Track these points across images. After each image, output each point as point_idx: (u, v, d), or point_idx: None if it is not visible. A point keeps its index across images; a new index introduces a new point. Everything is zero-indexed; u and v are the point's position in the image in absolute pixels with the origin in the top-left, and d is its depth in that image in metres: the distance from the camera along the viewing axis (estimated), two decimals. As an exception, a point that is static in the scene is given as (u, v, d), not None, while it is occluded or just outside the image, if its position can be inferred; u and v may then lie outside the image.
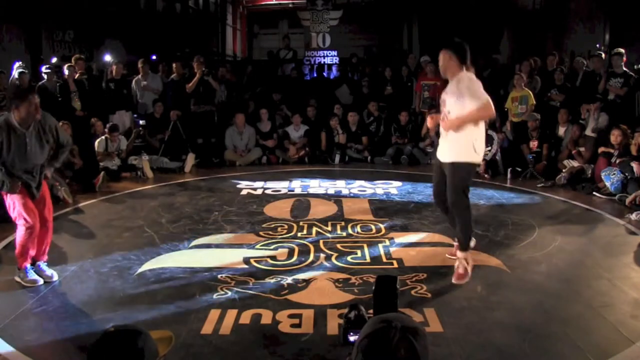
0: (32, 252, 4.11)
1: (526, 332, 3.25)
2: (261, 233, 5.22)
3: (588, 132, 7.69)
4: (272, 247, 4.83)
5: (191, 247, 4.85)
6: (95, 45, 12.25)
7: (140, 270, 4.29)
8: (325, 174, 8.20)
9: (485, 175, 7.88)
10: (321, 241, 4.95)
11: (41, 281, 4.04)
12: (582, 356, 2.99)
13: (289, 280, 4.04)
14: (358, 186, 7.38)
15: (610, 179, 6.50)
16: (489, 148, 8.10)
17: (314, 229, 5.33)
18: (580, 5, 12.53)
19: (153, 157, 8.49)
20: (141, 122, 8.94)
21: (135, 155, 8.24)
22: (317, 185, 7.44)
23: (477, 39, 12.91)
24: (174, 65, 9.41)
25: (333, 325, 3.32)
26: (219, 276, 4.11)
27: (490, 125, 8.42)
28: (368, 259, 4.52)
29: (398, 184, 7.48)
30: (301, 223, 5.53)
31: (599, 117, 7.60)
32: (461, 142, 4.11)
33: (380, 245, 4.84)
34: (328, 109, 9.82)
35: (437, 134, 4.54)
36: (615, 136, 6.87)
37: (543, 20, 13.36)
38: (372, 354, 1.28)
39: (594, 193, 6.72)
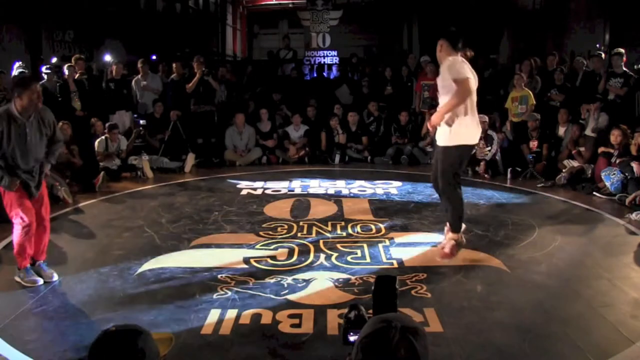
0: (30, 251, 4.10)
1: (526, 332, 3.25)
2: (261, 233, 5.21)
3: (588, 132, 7.69)
4: (272, 247, 4.83)
5: (191, 247, 4.85)
6: (95, 45, 12.25)
7: (140, 270, 4.28)
8: (325, 174, 8.20)
9: (485, 175, 7.89)
10: (321, 241, 4.95)
11: (41, 281, 4.04)
12: (582, 356, 2.99)
13: (289, 280, 4.04)
14: (358, 186, 7.38)
15: (610, 179, 6.50)
16: (489, 148, 8.10)
17: (314, 229, 5.33)
18: (580, 5, 12.53)
19: (153, 157, 8.49)
20: (141, 122, 8.94)
21: (135, 155, 8.23)
22: (317, 185, 7.44)
23: (477, 39, 12.94)
24: (174, 65, 9.41)
25: (333, 325, 3.32)
26: (219, 276, 4.11)
27: (490, 125, 8.43)
28: (368, 259, 4.52)
29: (398, 184, 7.48)
30: (301, 223, 5.53)
31: (599, 117, 7.60)
32: (449, 126, 4.26)
33: (380, 245, 4.84)
34: (328, 109, 9.82)
35: None
36: (615, 136, 6.87)
37: (543, 20, 13.35)
38: (372, 354, 1.28)
39: (594, 193, 6.72)
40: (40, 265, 4.17)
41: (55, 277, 4.15)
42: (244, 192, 7.06)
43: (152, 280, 4.09)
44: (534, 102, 8.38)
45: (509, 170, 7.85)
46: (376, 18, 18.47)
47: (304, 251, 4.68)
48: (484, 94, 9.10)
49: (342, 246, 4.82)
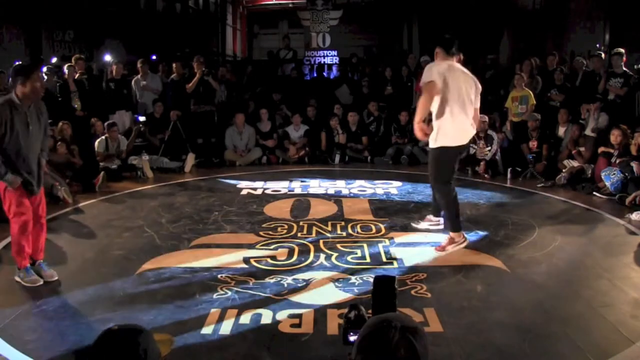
0: (29, 250, 4.10)
1: (526, 332, 3.25)
2: (261, 233, 5.21)
3: (588, 132, 7.69)
4: (272, 247, 4.83)
5: (191, 247, 4.85)
6: (95, 45, 12.25)
7: (140, 270, 4.28)
8: (325, 174, 8.20)
9: (485, 175, 7.88)
10: (321, 241, 4.95)
11: (41, 281, 4.04)
12: (582, 356, 2.99)
13: (289, 280, 4.04)
14: (358, 186, 7.38)
15: (610, 179, 6.50)
16: (489, 148, 8.10)
17: (314, 229, 5.33)
18: (580, 5, 12.53)
19: (153, 157, 8.48)
20: (140, 118, 8.87)
21: (135, 155, 8.23)
22: (317, 185, 7.44)
23: (477, 39, 12.94)
24: (174, 65, 9.41)
25: (333, 325, 3.32)
26: (219, 276, 4.11)
27: (490, 125, 8.44)
28: (368, 259, 4.52)
29: (398, 184, 7.48)
30: (301, 223, 5.53)
31: (599, 117, 7.60)
32: (440, 128, 4.48)
33: (380, 245, 4.84)
34: (328, 109, 9.82)
35: None
36: (615, 136, 6.87)
37: (543, 20, 13.35)
38: (372, 354, 1.28)
39: (594, 193, 6.72)
40: (40, 265, 4.17)
41: (55, 277, 4.15)
42: (244, 192, 7.06)
43: (152, 280, 4.09)
44: (534, 102, 8.39)
45: (509, 170, 7.85)
46: (376, 18, 18.46)
47: (304, 251, 4.68)
48: (485, 94, 9.15)
49: (342, 246, 4.82)
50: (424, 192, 6.85)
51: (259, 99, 10.24)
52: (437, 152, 4.49)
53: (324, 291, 3.87)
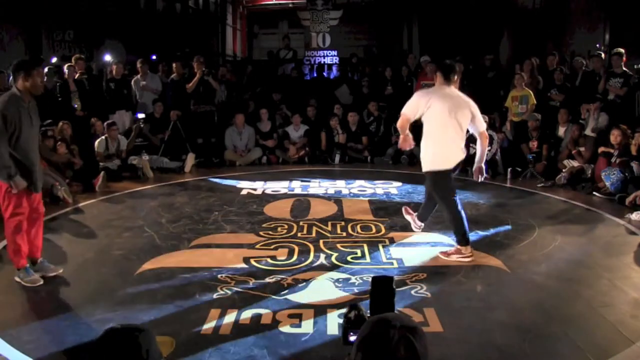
0: (26, 249, 4.10)
1: (526, 332, 3.25)
2: (261, 233, 5.22)
3: (588, 132, 7.69)
4: (272, 247, 4.83)
5: (191, 247, 4.85)
6: (95, 45, 12.25)
7: (140, 270, 4.28)
8: (325, 174, 8.20)
9: (486, 175, 7.87)
10: (321, 241, 4.95)
11: (41, 281, 4.04)
12: (582, 356, 2.99)
13: (289, 280, 4.04)
14: (358, 186, 7.38)
15: (610, 179, 6.50)
16: (489, 148, 8.09)
17: (314, 229, 5.33)
18: (580, 5, 12.52)
19: (153, 157, 8.48)
20: (140, 115, 8.84)
21: (135, 155, 8.23)
22: (317, 185, 7.44)
23: (477, 39, 12.94)
24: (173, 65, 9.41)
25: (333, 325, 3.32)
26: (219, 276, 4.11)
27: (490, 125, 8.43)
28: (368, 259, 4.52)
29: (398, 184, 7.48)
30: (301, 223, 5.53)
31: (599, 117, 7.60)
32: (424, 153, 4.70)
33: (380, 245, 4.84)
34: (328, 109, 9.82)
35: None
36: (615, 136, 6.87)
37: (543, 20, 13.35)
38: (372, 354, 1.28)
39: (594, 193, 6.72)
40: (42, 262, 4.19)
41: (61, 270, 4.19)
42: (244, 192, 7.06)
43: (152, 280, 4.09)
44: (535, 102, 8.38)
45: (509, 170, 7.85)
46: (376, 18, 18.45)
47: (304, 251, 4.68)
48: (486, 95, 9.16)
49: (342, 246, 4.82)
50: (424, 192, 6.82)
51: (259, 99, 10.24)
52: (431, 175, 4.69)
53: (324, 291, 3.87)
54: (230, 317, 3.43)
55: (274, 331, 3.27)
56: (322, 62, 13.24)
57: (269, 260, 4.48)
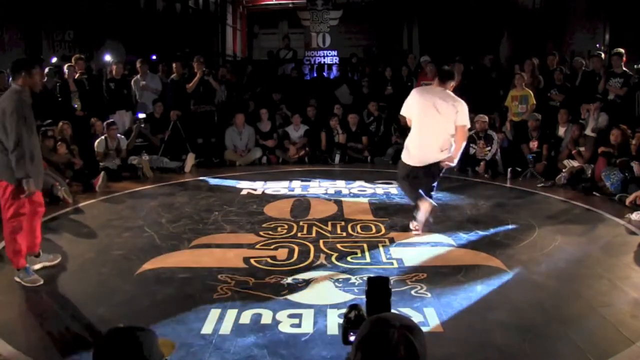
0: (25, 249, 4.11)
1: (526, 332, 3.25)
2: (261, 233, 5.22)
3: (588, 132, 7.68)
4: (272, 247, 4.83)
5: (191, 247, 4.85)
6: (95, 45, 12.25)
7: (140, 270, 4.28)
8: (325, 174, 8.20)
9: (485, 175, 7.88)
10: (321, 241, 4.95)
11: (41, 281, 4.04)
12: (582, 356, 2.99)
13: (289, 280, 4.04)
14: (358, 186, 7.38)
15: (610, 179, 6.50)
16: (489, 148, 8.10)
17: (314, 229, 5.33)
18: (580, 5, 12.52)
19: (153, 157, 8.48)
20: (140, 115, 8.84)
21: (135, 155, 8.23)
22: (317, 185, 7.44)
23: (477, 39, 12.94)
24: (173, 65, 9.40)
25: (333, 325, 3.32)
26: (219, 276, 4.11)
27: (490, 125, 8.44)
28: (368, 259, 4.53)
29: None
30: (301, 223, 5.53)
31: (599, 117, 7.59)
32: None
33: (380, 245, 4.84)
34: (328, 109, 9.81)
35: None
36: (615, 136, 6.87)
37: (543, 20, 13.35)
38: (372, 353, 1.28)
39: (594, 193, 6.72)
40: (41, 254, 4.28)
41: (59, 258, 4.38)
42: (244, 192, 7.06)
43: (152, 280, 4.09)
44: (534, 103, 8.38)
45: (509, 170, 7.85)
46: (376, 18, 18.45)
47: (304, 251, 4.68)
48: (487, 95, 9.16)
49: (342, 246, 4.82)
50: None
51: (259, 99, 10.23)
52: (399, 163, 5.28)
53: (324, 291, 3.87)
54: (230, 317, 3.43)
55: (274, 331, 3.27)
56: (322, 62, 13.24)
57: (269, 260, 4.48)
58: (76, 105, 8.58)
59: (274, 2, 19.50)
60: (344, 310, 3.09)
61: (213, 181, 7.83)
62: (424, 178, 5.09)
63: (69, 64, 8.83)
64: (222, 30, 18.71)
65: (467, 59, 10.18)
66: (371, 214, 5.94)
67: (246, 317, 3.44)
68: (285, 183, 7.55)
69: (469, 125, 5.15)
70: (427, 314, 3.47)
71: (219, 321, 3.39)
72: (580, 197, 6.62)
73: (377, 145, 9.51)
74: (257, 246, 4.84)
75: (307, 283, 4.00)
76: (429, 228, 5.19)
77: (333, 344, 3.07)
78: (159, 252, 4.69)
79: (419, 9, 16.88)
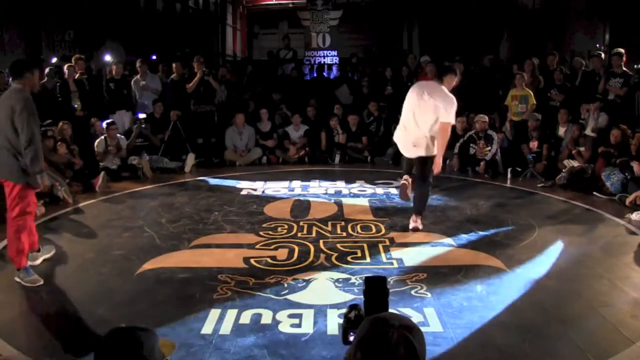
0: (28, 247, 4.13)
1: (526, 332, 3.25)
2: (261, 233, 5.22)
3: (588, 132, 7.69)
4: (272, 247, 4.83)
5: (191, 247, 4.85)
6: (95, 45, 12.25)
7: (140, 270, 4.28)
8: (325, 174, 8.20)
9: (485, 175, 7.88)
10: (321, 241, 4.95)
11: (41, 281, 4.03)
12: (582, 356, 2.99)
13: (289, 280, 4.04)
14: (358, 186, 7.38)
15: (610, 179, 6.50)
16: (489, 148, 8.10)
17: (314, 229, 5.33)
18: (580, 5, 12.52)
19: (153, 157, 8.48)
20: (141, 115, 8.84)
21: (136, 155, 8.23)
22: (317, 185, 7.44)
23: (477, 39, 12.93)
24: (173, 65, 9.40)
25: (333, 325, 3.32)
26: (219, 276, 4.11)
27: (490, 125, 8.44)
28: (368, 259, 4.52)
29: (398, 184, 7.46)
30: (301, 223, 5.53)
31: (599, 117, 7.60)
32: None
33: (380, 245, 4.84)
34: (328, 109, 9.81)
35: None
36: (615, 136, 6.87)
37: (543, 20, 13.35)
38: (371, 353, 1.28)
39: (594, 193, 6.72)
40: (40, 249, 4.39)
41: (54, 250, 4.54)
42: (244, 192, 7.06)
43: (152, 280, 4.09)
44: (534, 103, 8.38)
45: (509, 170, 7.85)
46: (376, 18, 18.46)
47: (304, 251, 4.68)
48: (489, 95, 9.17)
49: (342, 246, 4.82)
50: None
51: (259, 99, 10.23)
52: None
53: (324, 291, 3.87)
54: (230, 317, 3.43)
55: (274, 331, 3.27)
56: (322, 62, 13.25)
57: (269, 260, 4.48)
58: (76, 105, 8.58)
59: (274, 2, 19.51)
60: (344, 310, 3.09)
61: (213, 181, 7.83)
62: (416, 164, 5.27)
63: (69, 64, 8.83)
64: (222, 30, 18.71)
65: (467, 59, 10.19)
66: (371, 214, 5.94)
67: (246, 317, 3.44)
68: (285, 183, 7.55)
69: (452, 123, 5.12)
70: (427, 314, 3.47)
71: (219, 321, 3.39)
72: (580, 197, 6.62)
73: (377, 145, 9.51)
74: (257, 246, 4.84)
75: (307, 283, 3.99)
76: (413, 200, 5.37)
77: (333, 344, 3.07)
78: (159, 252, 4.69)
79: (419, 9, 16.89)
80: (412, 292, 3.82)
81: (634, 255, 4.61)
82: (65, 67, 8.76)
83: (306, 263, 4.42)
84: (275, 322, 3.37)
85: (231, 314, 3.48)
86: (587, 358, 2.96)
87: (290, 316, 3.46)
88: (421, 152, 5.10)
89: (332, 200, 6.52)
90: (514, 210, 6.06)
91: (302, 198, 6.68)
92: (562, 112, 8.20)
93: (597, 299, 3.75)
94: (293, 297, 3.75)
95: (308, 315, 3.46)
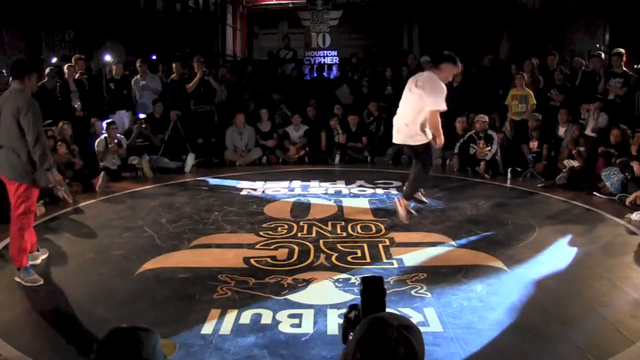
0: (29, 247, 4.15)
1: (526, 332, 3.25)
2: (261, 233, 5.22)
3: (588, 132, 7.68)
4: (272, 247, 4.83)
5: (191, 247, 4.85)
6: (95, 45, 12.24)
7: (140, 270, 4.29)
8: (325, 174, 8.20)
9: (486, 175, 7.88)
10: (321, 241, 4.95)
11: (41, 281, 4.04)
12: (582, 356, 2.99)
13: (289, 280, 4.04)
14: (358, 186, 7.38)
15: (610, 179, 6.49)
16: (489, 148, 8.10)
17: (314, 229, 5.33)
18: (580, 5, 12.52)
19: (153, 157, 8.48)
20: (141, 115, 8.83)
21: (136, 155, 8.23)
22: (317, 185, 7.44)
23: (477, 39, 12.93)
24: (173, 65, 9.40)
25: (333, 325, 3.32)
26: (219, 276, 4.11)
27: (490, 125, 8.43)
28: (368, 259, 4.52)
29: (398, 184, 7.47)
30: (301, 223, 5.53)
31: (599, 117, 7.59)
32: None
33: (380, 245, 4.84)
34: (328, 109, 9.81)
35: None
36: (615, 136, 6.87)
37: (543, 20, 13.35)
38: (371, 353, 1.28)
39: (594, 193, 6.72)
40: (40, 249, 4.41)
41: (47, 253, 4.55)
42: (244, 192, 7.06)
43: (152, 280, 4.09)
44: (534, 103, 8.38)
45: (509, 170, 7.85)
46: (376, 18, 18.46)
47: (304, 251, 4.68)
48: (489, 95, 9.16)
49: (342, 246, 4.82)
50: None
51: (259, 99, 10.23)
52: None
53: (324, 291, 3.87)
54: (230, 317, 3.43)
55: (274, 331, 3.27)
56: (322, 62, 13.25)
57: (269, 260, 4.48)
58: (76, 105, 8.58)
59: (274, 2, 19.52)
60: (344, 310, 3.09)
61: (213, 181, 7.83)
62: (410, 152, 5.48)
63: (69, 64, 8.83)
64: (222, 30, 18.71)
65: (467, 59, 10.18)
66: (371, 214, 5.94)
67: (246, 317, 3.45)
68: (285, 183, 7.55)
69: (440, 109, 5.08)
70: (427, 314, 3.47)
71: (219, 321, 3.39)
72: (580, 197, 6.62)
73: (377, 145, 9.50)
74: (257, 246, 4.84)
75: (307, 283, 4.00)
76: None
77: (333, 344, 3.07)
78: (159, 252, 4.69)
79: (419, 9, 16.88)
80: (412, 292, 3.82)
81: (634, 255, 4.61)
82: (65, 67, 8.76)
83: (306, 263, 4.42)
84: (275, 322, 3.38)
85: (231, 314, 3.48)
86: (587, 358, 2.96)
87: (290, 316, 3.46)
88: (401, 139, 5.32)
89: (332, 200, 6.53)
90: (514, 210, 6.06)
91: (302, 198, 6.67)
92: (562, 112, 8.20)
93: (597, 299, 3.75)
94: (293, 297, 3.75)
95: (308, 315, 3.46)
